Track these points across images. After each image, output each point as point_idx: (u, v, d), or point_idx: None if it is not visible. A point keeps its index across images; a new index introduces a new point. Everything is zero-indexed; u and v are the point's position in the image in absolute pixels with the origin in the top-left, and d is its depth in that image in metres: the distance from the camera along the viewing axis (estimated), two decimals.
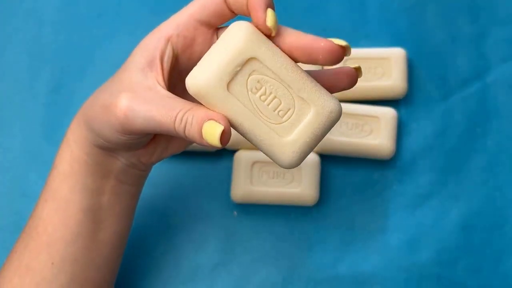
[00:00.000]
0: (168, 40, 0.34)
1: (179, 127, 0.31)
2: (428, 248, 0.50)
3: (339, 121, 0.50)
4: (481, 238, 0.51)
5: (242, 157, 0.49)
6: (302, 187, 0.49)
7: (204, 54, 0.32)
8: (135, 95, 0.32)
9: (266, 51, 0.32)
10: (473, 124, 0.53)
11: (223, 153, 0.51)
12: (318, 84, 0.33)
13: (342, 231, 0.51)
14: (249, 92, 0.32)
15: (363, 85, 0.51)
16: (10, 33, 0.55)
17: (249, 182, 0.49)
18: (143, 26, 0.58)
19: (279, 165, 0.33)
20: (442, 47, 0.54)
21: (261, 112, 0.32)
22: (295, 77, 0.32)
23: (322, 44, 0.32)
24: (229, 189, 0.50)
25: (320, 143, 0.49)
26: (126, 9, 0.56)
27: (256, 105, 0.32)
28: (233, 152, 0.50)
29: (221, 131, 0.30)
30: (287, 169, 0.49)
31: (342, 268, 0.50)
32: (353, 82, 0.34)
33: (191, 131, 0.31)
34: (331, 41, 0.32)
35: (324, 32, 0.53)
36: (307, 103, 0.32)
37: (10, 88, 0.54)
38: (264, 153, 0.33)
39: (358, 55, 0.51)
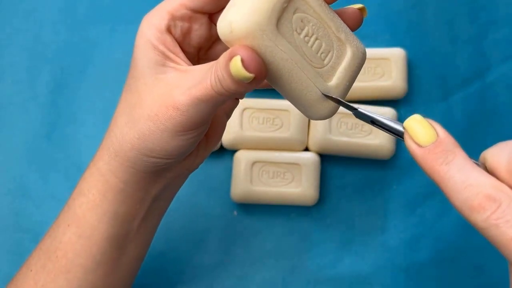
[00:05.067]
0: (168, 30, 0.33)
1: (217, 88, 0.29)
2: (428, 248, 0.50)
3: (339, 121, 0.51)
4: (481, 237, 0.50)
5: (242, 157, 0.49)
6: (302, 187, 0.49)
7: (202, 35, 0.29)
8: (174, 90, 0.31)
9: None
10: (473, 124, 0.53)
11: (223, 153, 0.51)
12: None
13: (342, 231, 0.51)
14: (294, 32, 0.28)
15: (363, 85, 0.51)
16: (10, 33, 0.55)
17: (249, 182, 0.49)
18: None
19: (318, 116, 0.30)
20: (442, 47, 0.54)
21: (306, 55, 0.29)
22: (332, 16, 0.30)
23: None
24: (229, 188, 0.50)
25: (320, 143, 0.50)
26: (125, 9, 0.56)
27: (302, 47, 0.28)
28: (233, 152, 0.51)
29: (240, 60, 0.27)
30: (287, 169, 0.49)
31: (342, 268, 0.50)
32: (357, 24, 0.32)
33: (226, 83, 0.29)
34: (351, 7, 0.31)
35: None
36: (344, 44, 0.30)
37: (10, 88, 0.54)
38: (302, 105, 0.30)
39: None
